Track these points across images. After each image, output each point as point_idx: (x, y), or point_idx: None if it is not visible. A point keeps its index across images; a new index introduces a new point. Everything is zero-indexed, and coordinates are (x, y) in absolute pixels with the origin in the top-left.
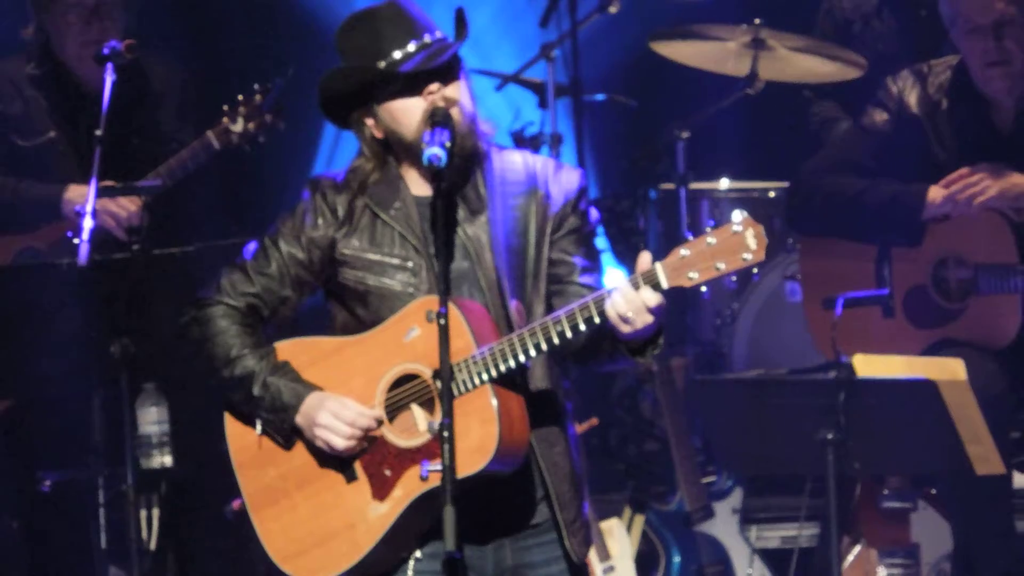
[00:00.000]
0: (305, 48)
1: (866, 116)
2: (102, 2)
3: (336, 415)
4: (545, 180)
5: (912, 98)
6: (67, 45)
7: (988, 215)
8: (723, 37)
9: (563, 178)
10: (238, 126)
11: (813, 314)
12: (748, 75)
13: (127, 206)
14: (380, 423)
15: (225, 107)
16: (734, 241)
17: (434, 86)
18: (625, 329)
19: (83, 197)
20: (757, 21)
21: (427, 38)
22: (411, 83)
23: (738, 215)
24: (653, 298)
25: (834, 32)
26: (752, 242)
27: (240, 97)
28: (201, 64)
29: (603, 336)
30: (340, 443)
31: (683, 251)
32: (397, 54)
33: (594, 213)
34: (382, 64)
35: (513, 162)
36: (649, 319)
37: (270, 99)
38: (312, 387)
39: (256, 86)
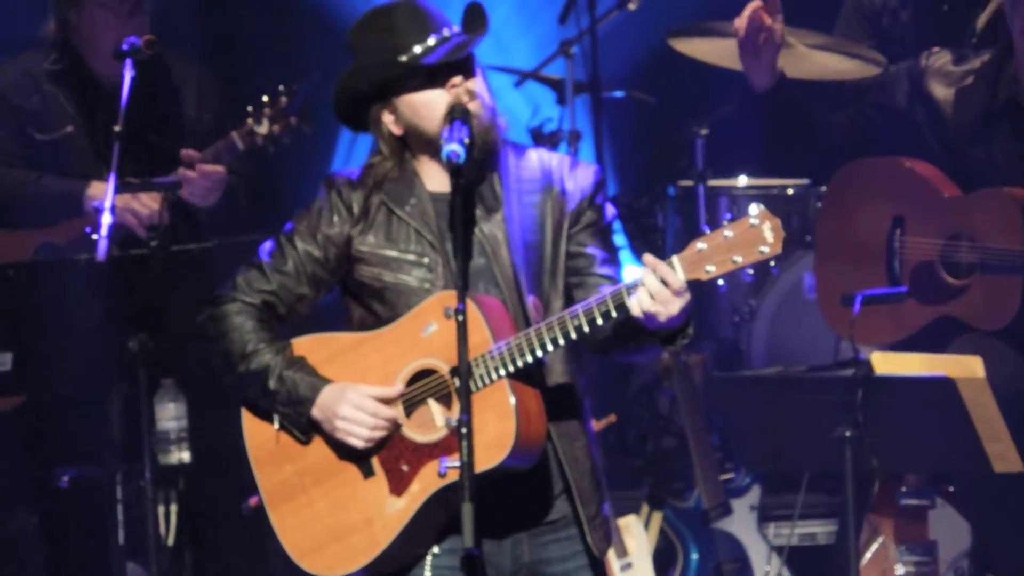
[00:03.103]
0: (328, 49)
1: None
2: None
3: (359, 407)
4: (561, 177)
5: (935, 78)
6: (99, 41)
7: (1000, 197)
8: None
9: (579, 174)
10: (263, 128)
11: (825, 297)
12: None
13: (149, 204)
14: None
15: (250, 108)
16: (751, 234)
17: (457, 79)
18: (661, 317)
19: (105, 194)
20: None
21: (446, 32)
22: (433, 76)
23: (755, 208)
24: (676, 280)
25: (860, 25)
26: (769, 235)
27: (265, 98)
28: (223, 63)
29: (628, 327)
30: (364, 434)
31: (700, 244)
32: (417, 48)
33: (610, 209)
34: (403, 58)
35: (528, 159)
36: (675, 307)
37: (296, 102)
38: (328, 380)
39: (281, 87)
